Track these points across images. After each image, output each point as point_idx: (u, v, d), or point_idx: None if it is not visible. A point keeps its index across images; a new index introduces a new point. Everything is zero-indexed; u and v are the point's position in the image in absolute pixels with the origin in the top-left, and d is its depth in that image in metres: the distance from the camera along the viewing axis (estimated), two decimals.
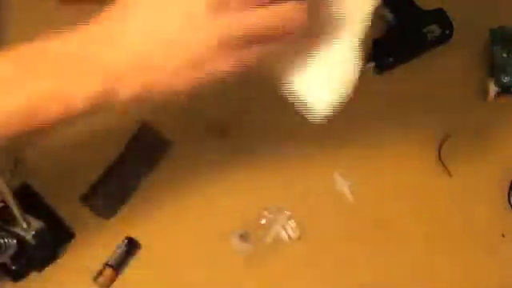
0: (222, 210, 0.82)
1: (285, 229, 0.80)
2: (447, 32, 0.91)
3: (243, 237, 0.80)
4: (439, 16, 0.91)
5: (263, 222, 0.81)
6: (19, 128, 0.54)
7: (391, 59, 0.90)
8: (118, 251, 0.79)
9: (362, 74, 0.89)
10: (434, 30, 0.91)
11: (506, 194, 0.82)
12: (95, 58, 0.54)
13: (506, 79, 0.87)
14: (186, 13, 0.54)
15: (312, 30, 0.60)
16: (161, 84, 0.55)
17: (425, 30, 0.90)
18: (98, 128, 0.87)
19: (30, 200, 0.81)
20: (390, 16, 0.92)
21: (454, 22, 0.91)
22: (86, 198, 0.82)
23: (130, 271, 0.79)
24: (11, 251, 0.75)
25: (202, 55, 0.55)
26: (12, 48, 0.53)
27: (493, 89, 0.87)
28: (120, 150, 0.85)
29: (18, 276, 0.78)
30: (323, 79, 0.63)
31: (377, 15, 0.93)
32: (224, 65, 0.55)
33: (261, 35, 0.56)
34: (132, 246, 0.79)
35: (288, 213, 0.81)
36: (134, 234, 0.80)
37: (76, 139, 0.87)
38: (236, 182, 0.83)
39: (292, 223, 0.81)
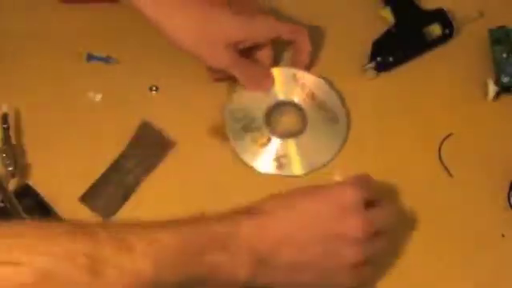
0: (222, 210, 0.82)
1: None
2: (447, 32, 0.91)
3: None
4: (439, 16, 0.91)
5: None
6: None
7: (391, 59, 0.90)
8: None
9: (362, 74, 0.90)
10: (434, 29, 0.91)
11: (506, 194, 0.82)
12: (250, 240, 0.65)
13: (505, 79, 0.87)
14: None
15: None
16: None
17: (425, 30, 0.91)
18: (98, 128, 0.87)
19: (29, 200, 0.81)
20: (390, 16, 0.92)
21: (454, 22, 0.91)
22: (86, 198, 0.82)
23: None
24: None
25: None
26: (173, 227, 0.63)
27: (493, 89, 0.87)
28: (120, 149, 0.85)
29: None
30: None
31: (377, 15, 0.93)
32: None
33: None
34: None
35: None
36: None
37: (76, 139, 0.87)
38: (236, 182, 0.83)
39: None
